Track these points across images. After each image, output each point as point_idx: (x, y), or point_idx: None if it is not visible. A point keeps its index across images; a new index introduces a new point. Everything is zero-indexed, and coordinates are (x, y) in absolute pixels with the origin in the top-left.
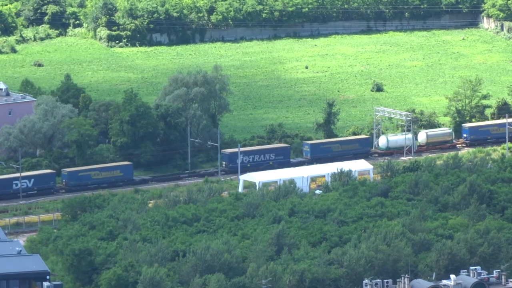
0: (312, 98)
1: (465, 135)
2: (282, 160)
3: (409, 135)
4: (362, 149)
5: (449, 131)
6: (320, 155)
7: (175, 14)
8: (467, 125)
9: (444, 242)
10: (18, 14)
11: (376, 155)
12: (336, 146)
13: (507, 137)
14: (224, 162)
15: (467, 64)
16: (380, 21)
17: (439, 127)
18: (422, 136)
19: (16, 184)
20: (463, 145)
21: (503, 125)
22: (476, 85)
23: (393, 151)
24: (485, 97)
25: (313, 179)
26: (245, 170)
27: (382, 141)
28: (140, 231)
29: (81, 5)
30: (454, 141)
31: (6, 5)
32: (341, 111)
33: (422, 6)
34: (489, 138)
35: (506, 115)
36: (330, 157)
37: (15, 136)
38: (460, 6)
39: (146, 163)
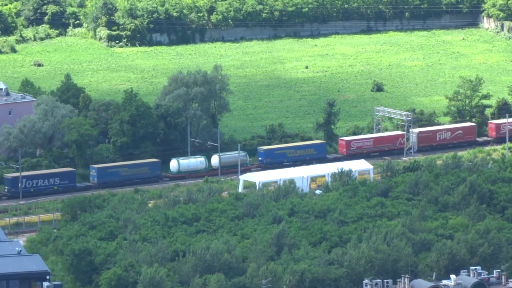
0: (312, 98)
1: (260, 158)
2: (68, 184)
3: (201, 159)
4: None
5: (243, 154)
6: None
7: (175, 14)
8: (263, 147)
9: (444, 242)
10: (18, 14)
11: (167, 179)
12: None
13: (507, 137)
14: (6, 187)
15: (467, 64)
16: (380, 21)
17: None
18: (215, 159)
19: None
20: (258, 168)
21: (301, 147)
22: (476, 85)
23: (185, 174)
24: (485, 97)
25: (313, 179)
26: (28, 195)
27: (173, 164)
28: (140, 231)
29: (81, 5)
30: (249, 164)
31: (6, 5)
32: (341, 111)
33: (422, 6)
34: (285, 161)
35: (507, 115)
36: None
37: (15, 136)
38: (460, 6)
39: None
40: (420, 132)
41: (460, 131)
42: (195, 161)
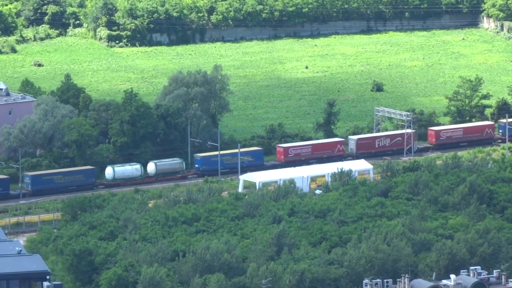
0: (312, 98)
1: (197, 165)
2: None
3: (137, 166)
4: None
5: (179, 161)
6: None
7: (175, 14)
8: (199, 155)
9: (444, 242)
10: (18, 14)
11: (102, 186)
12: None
13: (507, 137)
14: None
15: (467, 64)
16: (380, 21)
17: (441, 125)
18: (151, 167)
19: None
20: (195, 175)
21: (237, 154)
22: (476, 85)
23: (121, 182)
24: (485, 97)
25: (313, 179)
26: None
27: (108, 172)
28: (140, 231)
29: (81, 5)
30: (185, 172)
31: (6, 5)
32: (341, 111)
33: (422, 6)
34: (222, 168)
35: (506, 115)
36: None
37: (15, 136)
38: (460, 6)
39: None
40: (359, 139)
41: (400, 138)
42: (131, 169)
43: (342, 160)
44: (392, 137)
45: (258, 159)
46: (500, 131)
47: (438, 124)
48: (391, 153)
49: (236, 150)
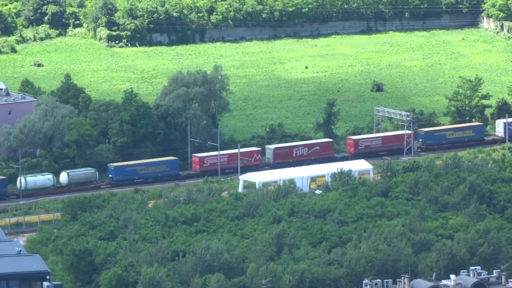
0: (312, 98)
1: (110, 175)
2: (171, 172)
3: (49, 176)
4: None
5: (92, 171)
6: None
7: (175, 14)
8: (113, 164)
9: (444, 242)
10: (18, 14)
11: (14, 196)
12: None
13: (506, 137)
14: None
15: (467, 64)
16: (380, 21)
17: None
18: (63, 176)
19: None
20: (109, 185)
21: (152, 164)
22: (476, 85)
23: (33, 192)
24: (485, 97)
25: (313, 179)
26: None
27: (20, 182)
28: (140, 231)
29: (81, 5)
30: (98, 182)
31: (6, 5)
32: (341, 111)
33: (422, 6)
34: (136, 178)
35: (506, 115)
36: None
37: (15, 136)
38: (460, 6)
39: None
40: (276, 148)
41: (318, 147)
42: (43, 178)
43: (261, 169)
44: (309, 146)
45: (173, 168)
46: (420, 140)
47: (355, 134)
48: (309, 162)
49: (152, 160)
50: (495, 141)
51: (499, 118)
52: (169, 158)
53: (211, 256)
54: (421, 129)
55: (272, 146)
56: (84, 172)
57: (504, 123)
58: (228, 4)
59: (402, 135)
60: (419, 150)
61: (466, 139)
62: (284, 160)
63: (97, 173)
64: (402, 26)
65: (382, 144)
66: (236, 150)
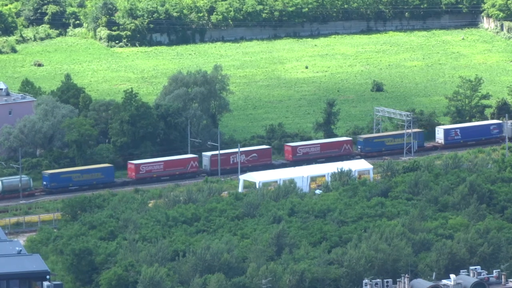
0: (312, 98)
1: (45, 182)
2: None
3: (26, 177)
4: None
5: (27, 178)
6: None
7: (175, 14)
8: (48, 171)
9: (444, 242)
10: (18, 14)
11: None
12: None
13: (506, 137)
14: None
15: (467, 64)
16: (380, 21)
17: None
18: None
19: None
20: (43, 192)
21: (87, 171)
22: (476, 85)
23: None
24: (485, 97)
25: (313, 179)
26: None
27: None
28: (140, 231)
29: (81, 5)
30: (32, 189)
31: (6, 5)
32: (341, 111)
33: (422, 6)
34: (71, 185)
35: (506, 115)
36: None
37: (15, 136)
38: (460, 6)
39: None
40: (212, 155)
41: (255, 154)
42: (17, 179)
43: (195, 177)
44: (247, 153)
45: (109, 176)
46: (359, 146)
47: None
48: (247, 169)
49: (87, 167)
50: (436, 148)
51: (499, 118)
52: (105, 165)
53: (211, 256)
54: (360, 136)
55: (209, 154)
56: (18, 179)
57: (499, 124)
58: (228, 4)
59: (341, 141)
60: (358, 157)
61: (406, 146)
62: (221, 167)
63: (31, 180)
64: (402, 26)
65: (321, 151)
66: (173, 157)
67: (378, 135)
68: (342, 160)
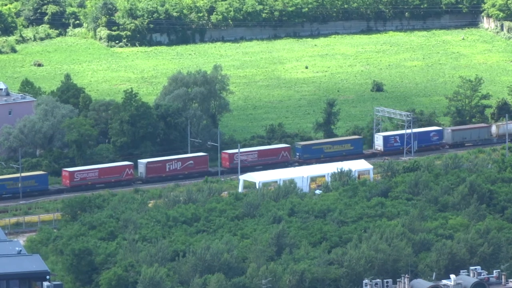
0: (312, 98)
1: None
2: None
3: None
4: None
5: None
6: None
7: (175, 14)
8: None
9: (444, 242)
10: (18, 14)
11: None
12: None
13: (507, 134)
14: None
15: (467, 64)
16: (380, 21)
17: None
18: None
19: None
20: None
21: (23, 178)
22: (476, 85)
23: None
24: (485, 97)
25: (313, 179)
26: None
27: None
28: (140, 231)
29: (81, 5)
30: None
31: (6, 5)
32: (341, 111)
33: (422, 6)
34: (5, 193)
35: (506, 115)
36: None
37: (15, 136)
38: (460, 6)
39: None
40: (148, 163)
41: (191, 161)
42: None
43: (131, 184)
44: (183, 160)
45: (42, 183)
46: (297, 153)
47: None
48: (183, 177)
49: (20, 175)
50: (375, 155)
51: (499, 118)
52: (39, 172)
53: (211, 256)
54: (299, 143)
55: (145, 161)
56: None
57: (439, 131)
58: (228, 4)
59: (279, 149)
60: (296, 164)
61: (345, 153)
62: (157, 174)
63: None
64: (402, 26)
65: (258, 158)
66: (108, 165)
67: (317, 142)
68: (279, 167)
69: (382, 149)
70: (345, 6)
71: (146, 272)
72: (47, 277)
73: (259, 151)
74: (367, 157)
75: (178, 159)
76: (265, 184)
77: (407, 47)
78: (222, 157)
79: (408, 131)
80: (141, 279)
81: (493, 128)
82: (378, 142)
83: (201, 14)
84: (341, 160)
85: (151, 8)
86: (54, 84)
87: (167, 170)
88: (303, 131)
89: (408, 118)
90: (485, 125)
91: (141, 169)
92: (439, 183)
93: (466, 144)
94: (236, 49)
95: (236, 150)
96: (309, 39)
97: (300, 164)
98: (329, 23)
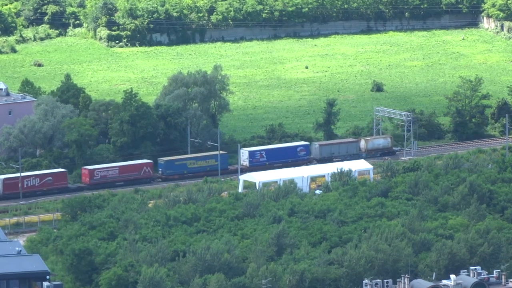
0: (312, 98)
1: None
2: (216, 166)
3: None
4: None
5: None
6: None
7: (175, 14)
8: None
9: (444, 242)
10: (18, 14)
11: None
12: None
13: (507, 134)
14: (160, 170)
15: (467, 64)
16: (380, 21)
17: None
18: None
19: (27, 183)
20: None
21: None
22: (476, 85)
23: None
24: (485, 97)
25: (313, 179)
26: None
27: None
28: (140, 231)
29: (81, 5)
30: None
31: (6, 5)
32: (341, 111)
33: (422, 6)
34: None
35: (506, 115)
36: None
37: (15, 136)
38: (460, 6)
39: None
40: (5, 179)
41: (50, 178)
42: None
43: (150, 182)
44: (41, 176)
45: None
46: (160, 169)
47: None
48: (41, 193)
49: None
50: (241, 170)
51: (499, 118)
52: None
53: (211, 256)
54: (161, 158)
55: (2, 177)
56: None
57: (306, 145)
58: (228, 4)
59: (141, 164)
60: (159, 180)
61: (209, 168)
62: (14, 191)
63: None
64: (402, 26)
65: (119, 174)
66: (128, 162)
67: (180, 158)
68: (141, 184)
69: (248, 164)
70: (345, 6)
71: (146, 272)
72: (47, 277)
73: (120, 167)
74: (231, 173)
75: (36, 175)
76: (265, 184)
77: (407, 47)
78: (82, 173)
79: (275, 146)
80: (141, 279)
81: (362, 143)
82: (244, 157)
83: (201, 14)
84: (206, 176)
85: (151, 8)
86: (54, 84)
87: (25, 186)
88: (303, 131)
89: (408, 118)
90: (354, 139)
91: None
92: (439, 183)
93: (334, 160)
94: (236, 49)
95: (97, 166)
96: (309, 39)
97: (163, 180)
98: (329, 23)
